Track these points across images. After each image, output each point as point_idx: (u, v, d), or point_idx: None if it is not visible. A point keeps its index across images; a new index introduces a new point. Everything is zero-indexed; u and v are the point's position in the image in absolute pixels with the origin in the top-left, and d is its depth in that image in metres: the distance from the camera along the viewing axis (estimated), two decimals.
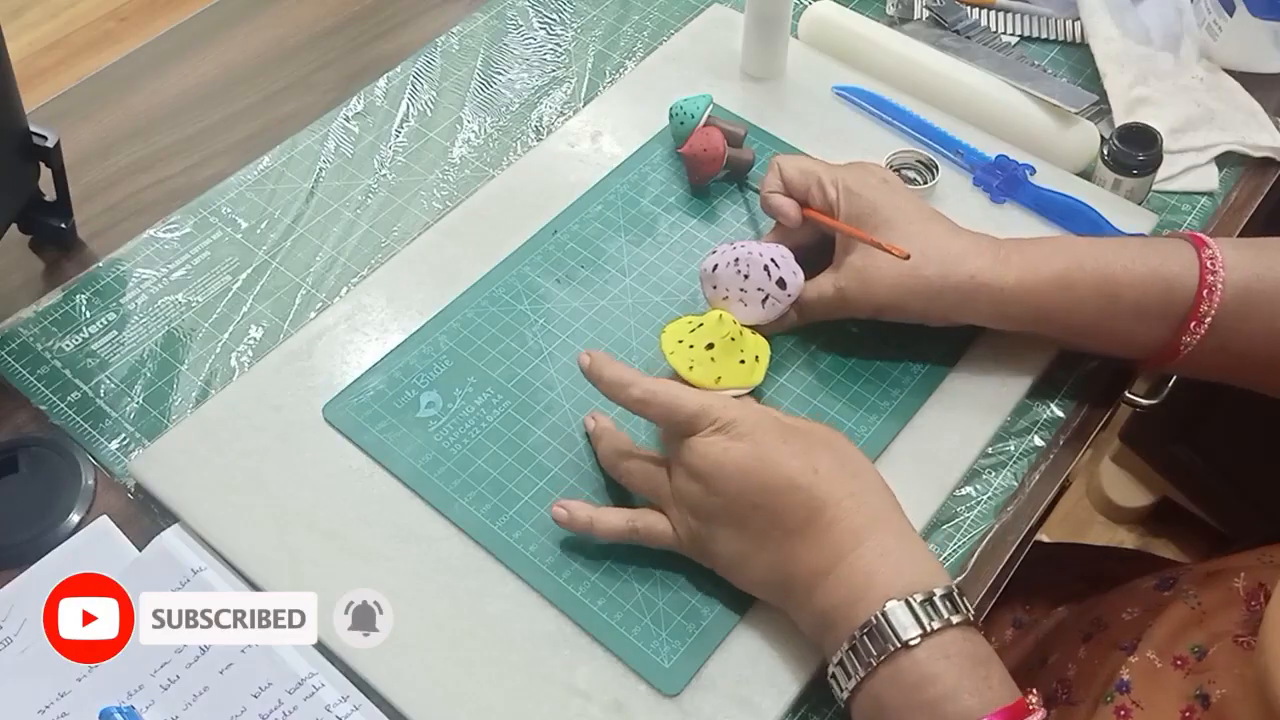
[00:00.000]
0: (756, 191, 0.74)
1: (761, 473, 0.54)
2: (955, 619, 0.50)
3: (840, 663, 0.52)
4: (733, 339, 0.63)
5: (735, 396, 0.61)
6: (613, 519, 0.59)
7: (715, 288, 0.66)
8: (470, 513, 0.61)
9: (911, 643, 0.50)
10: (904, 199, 0.66)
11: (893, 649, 0.50)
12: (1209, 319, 0.61)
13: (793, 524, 0.54)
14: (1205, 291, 0.61)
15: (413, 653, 0.57)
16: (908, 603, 0.50)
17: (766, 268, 0.64)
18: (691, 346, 0.63)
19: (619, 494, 0.62)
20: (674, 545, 0.58)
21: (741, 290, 0.65)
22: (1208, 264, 0.61)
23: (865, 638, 0.51)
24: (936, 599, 0.51)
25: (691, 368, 0.62)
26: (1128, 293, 0.62)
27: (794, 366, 0.67)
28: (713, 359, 0.62)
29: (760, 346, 0.64)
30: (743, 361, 0.63)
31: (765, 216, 0.74)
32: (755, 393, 0.64)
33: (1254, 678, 0.53)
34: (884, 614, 0.50)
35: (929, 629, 0.50)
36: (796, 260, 0.66)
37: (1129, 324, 0.63)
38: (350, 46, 0.89)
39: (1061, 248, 0.64)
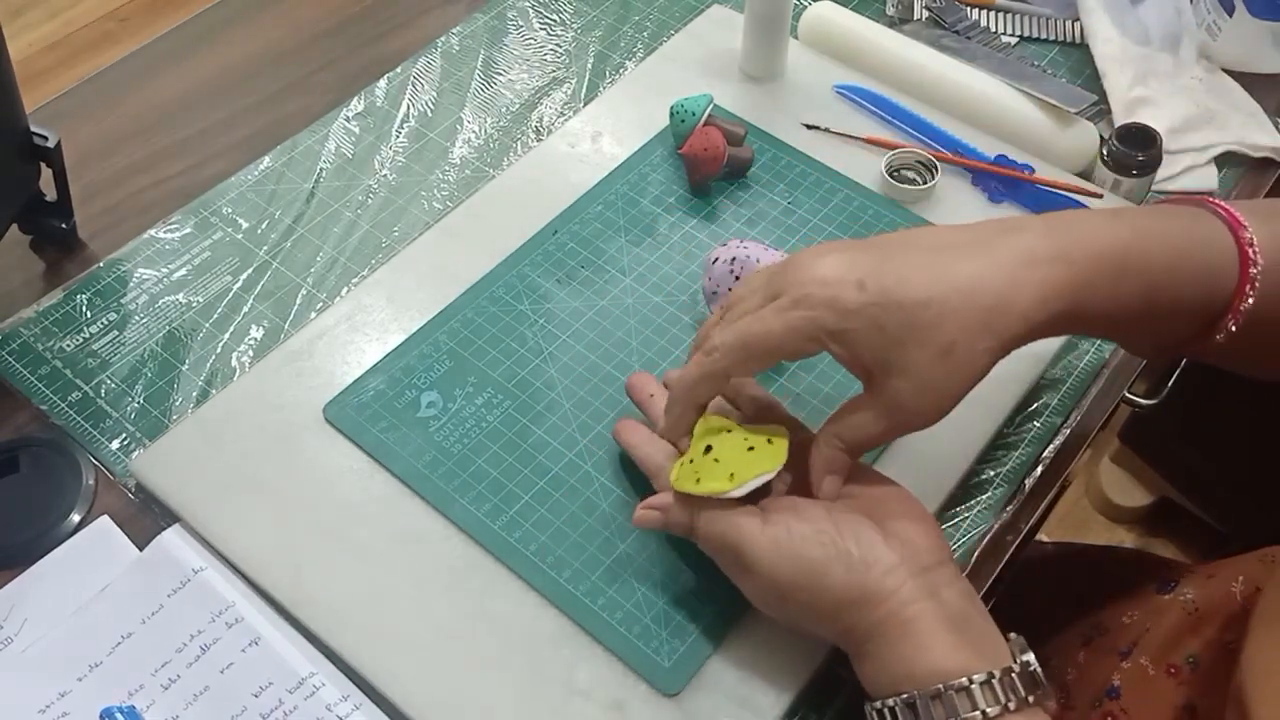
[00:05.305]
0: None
1: (795, 598, 0.51)
2: (1012, 704, 0.47)
3: (880, 710, 0.50)
4: (729, 430, 0.56)
5: (762, 483, 0.53)
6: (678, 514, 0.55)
7: (710, 279, 0.66)
8: (470, 513, 0.61)
9: None
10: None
11: None
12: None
13: (829, 609, 0.51)
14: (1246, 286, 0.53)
15: (413, 653, 0.57)
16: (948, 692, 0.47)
17: None
18: (691, 460, 0.56)
19: (623, 499, 0.62)
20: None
21: (729, 290, 0.65)
22: (1248, 253, 0.53)
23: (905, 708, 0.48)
24: (975, 687, 0.47)
25: (699, 480, 0.54)
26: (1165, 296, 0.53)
27: (794, 367, 0.67)
28: (716, 460, 0.54)
29: (773, 429, 0.56)
30: (752, 449, 0.54)
31: (764, 216, 0.75)
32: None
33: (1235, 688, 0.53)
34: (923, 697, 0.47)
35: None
36: None
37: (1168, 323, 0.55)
38: (350, 47, 0.89)
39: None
